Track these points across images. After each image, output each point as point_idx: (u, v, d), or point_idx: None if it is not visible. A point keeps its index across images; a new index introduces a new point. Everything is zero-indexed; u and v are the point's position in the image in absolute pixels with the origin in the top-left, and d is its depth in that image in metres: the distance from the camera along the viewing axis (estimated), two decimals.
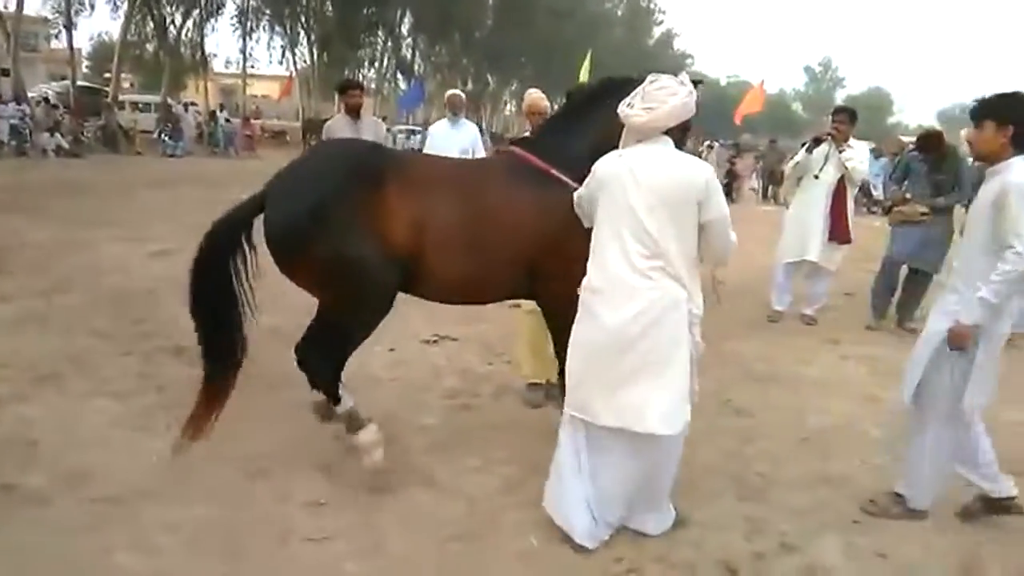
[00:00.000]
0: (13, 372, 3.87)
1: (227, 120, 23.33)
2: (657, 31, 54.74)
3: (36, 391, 3.67)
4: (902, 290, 6.39)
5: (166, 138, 20.87)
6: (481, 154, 6.40)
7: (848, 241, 6.02)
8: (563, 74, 27.85)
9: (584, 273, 2.53)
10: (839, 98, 73.72)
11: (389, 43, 32.78)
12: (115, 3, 23.85)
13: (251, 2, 28.34)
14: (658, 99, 2.41)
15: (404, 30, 34.00)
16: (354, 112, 5.54)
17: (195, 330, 2.78)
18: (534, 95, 5.12)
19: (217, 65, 33.57)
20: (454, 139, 6.02)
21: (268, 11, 28.59)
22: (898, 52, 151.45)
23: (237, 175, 13.95)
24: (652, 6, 51.67)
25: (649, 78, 2.51)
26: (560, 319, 2.84)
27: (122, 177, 14.31)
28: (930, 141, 6.05)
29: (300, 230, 2.61)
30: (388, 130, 6.39)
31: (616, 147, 2.61)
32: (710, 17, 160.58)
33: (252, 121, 25.80)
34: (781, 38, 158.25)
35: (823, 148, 5.89)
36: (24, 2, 21.49)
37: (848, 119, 5.94)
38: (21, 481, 2.78)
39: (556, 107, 4.25)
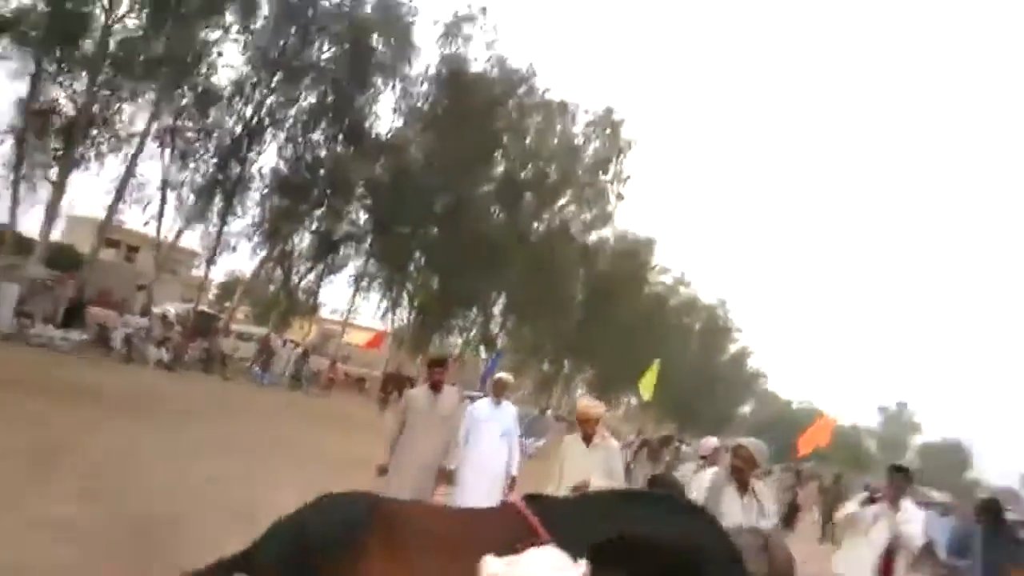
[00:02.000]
0: None
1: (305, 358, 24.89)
2: (732, 347, 56.56)
3: None
4: None
5: (257, 368, 22.42)
6: (516, 435, 6.51)
7: None
8: (634, 370, 28.77)
9: None
10: (915, 443, 71.29)
11: (480, 317, 35.30)
12: (255, 250, 27.31)
13: (369, 267, 31.78)
14: None
15: (497, 309, 36.76)
16: (437, 387, 5.97)
17: None
18: (584, 402, 5.37)
19: (324, 311, 36.93)
20: (495, 419, 6.28)
21: (381, 276, 31.88)
22: (978, 403, 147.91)
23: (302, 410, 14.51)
24: (729, 324, 54.07)
25: None
26: None
27: (189, 394, 15.28)
28: (987, 509, 5.87)
29: None
30: (465, 396, 6.77)
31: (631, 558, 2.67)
32: (786, 340, 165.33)
33: (337, 365, 27.48)
34: (856, 373, 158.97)
35: (876, 507, 5.74)
36: (182, 235, 25.17)
37: (904, 480, 5.87)
38: None
39: (617, 406, 4.61)
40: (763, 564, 4.10)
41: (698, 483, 4.75)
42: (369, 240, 30.35)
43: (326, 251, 29.64)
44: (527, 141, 32.75)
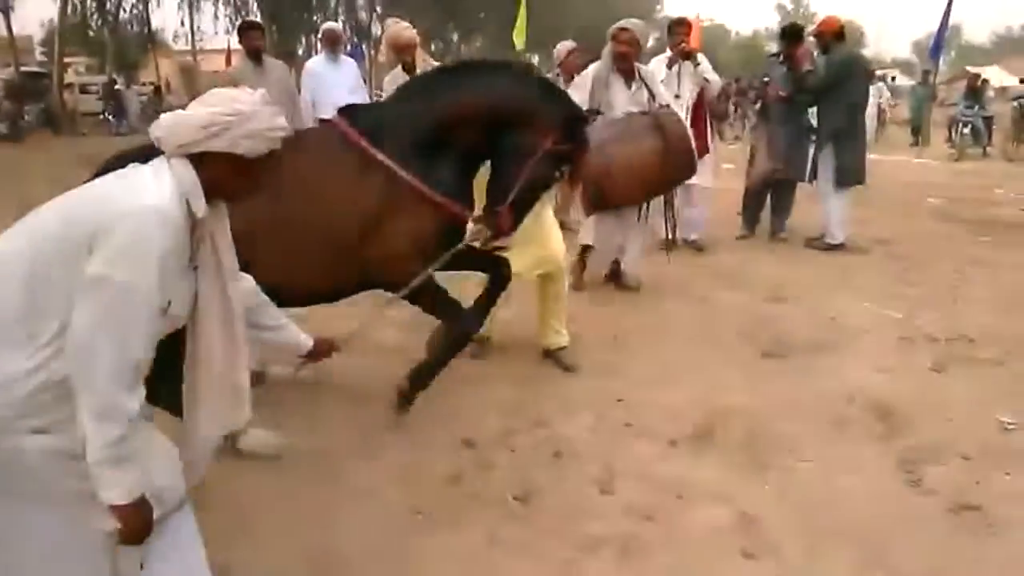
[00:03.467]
0: None
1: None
2: None
3: None
4: (771, 201, 6.43)
5: (111, 117, 20.59)
6: (363, 93, 6.16)
7: (706, 151, 5.91)
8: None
9: (413, 249, 2.60)
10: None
11: (342, 6, 32.02)
12: None
13: None
14: None
15: None
16: (256, 56, 5.30)
17: None
18: (395, 27, 4.71)
19: (177, 43, 32.90)
20: (336, 79, 5.70)
21: None
22: None
23: None
24: None
25: None
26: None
27: (55, 156, 14.13)
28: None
29: None
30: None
31: (452, 136, 2.68)
32: None
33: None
34: None
35: (675, 67, 5.68)
36: None
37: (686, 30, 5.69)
38: None
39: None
40: (657, 140, 4.06)
41: (581, 81, 4.43)
42: None
43: None
44: None
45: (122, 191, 1.46)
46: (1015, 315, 4.46)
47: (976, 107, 13.88)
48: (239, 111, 1.50)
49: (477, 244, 2.83)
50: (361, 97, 5.89)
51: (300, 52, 30.89)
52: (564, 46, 6.06)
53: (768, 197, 6.35)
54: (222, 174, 1.53)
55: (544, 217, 3.50)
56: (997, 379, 3.56)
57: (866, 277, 5.33)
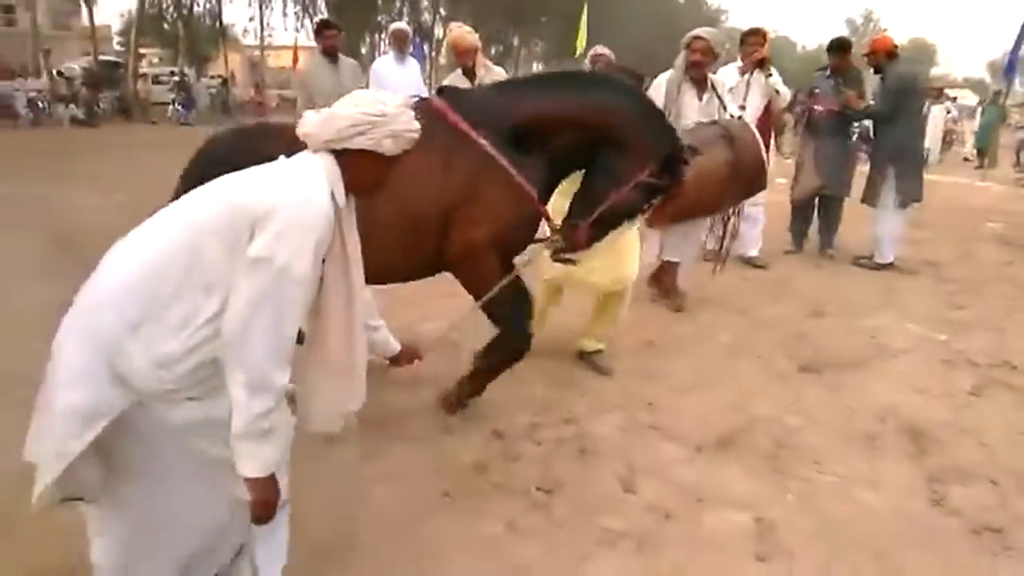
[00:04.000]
0: None
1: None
2: None
3: None
4: (818, 217, 6.39)
5: (180, 107, 21.41)
6: (426, 94, 6.20)
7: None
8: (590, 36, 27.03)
9: (493, 238, 2.63)
10: None
11: (406, 6, 32.55)
12: None
13: None
14: None
15: None
16: (331, 54, 5.43)
17: None
18: (457, 31, 4.71)
19: (248, 40, 33.90)
20: (402, 78, 5.73)
21: None
22: (940, 2, 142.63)
23: None
24: None
25: None
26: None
27: (127, 141, 14.82)
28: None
29: None
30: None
31: (550, 138, 2.69)
32: None
33: (265, 90, 26.09)
34: None
35: (746, 76, 5.52)
36: None
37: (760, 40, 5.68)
38: None
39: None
40: (726, 151, 3.93)
41: (655, 88, 4.39)
42: None
43: None
44: None
45: (281, 181, 1.56)
46: None
47: None
48: (384, 112, 1.60)
49: (548, 252, 2.85)
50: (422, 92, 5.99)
51: (363, 51, 31.56)
52: (595, 50, 5.84)
53: (815, 212, 6.29)
54: (362, 169, 1.64)
55: (628, 235, 3.48)
56: None
57: (912, 298, 5.25)
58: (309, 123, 1.62)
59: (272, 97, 27.80)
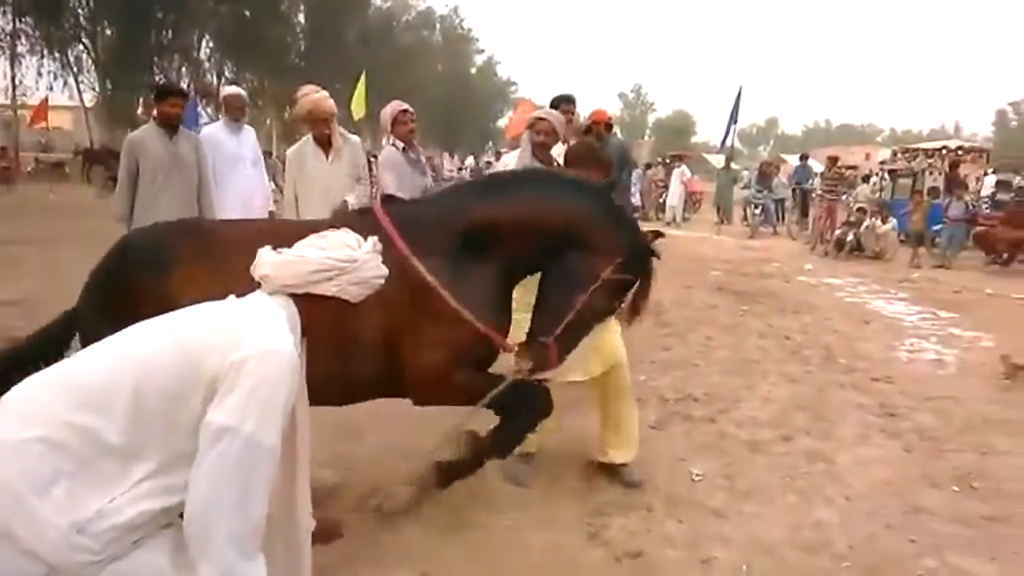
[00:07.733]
0: None
1: None
2: (479, 59, 56.12)
3: None
4: None
5: None
6: (262, 165, 5.55)
7: None
8: (377, 103, 27.28)
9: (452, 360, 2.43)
10: (650, 122, 79.85)
11: (185, 68, 31.07)
12: None
13: (18, 24, 25.83)
14: None
15: (203, 54, 32.49)
16: (171, 125, 4.55)
17: None
18: (315, 95, 4.26)
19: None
20: (239, 146, 5.20)
21: (37, 33, 26.23)
22: (700, 76, 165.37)
23: None
24: (469, 35, 52.89)
25: None
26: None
27: None
28: None
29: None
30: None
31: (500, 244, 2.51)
32: (528, 45, 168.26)
33: (12, 154, 23.18)
34: (598, 64, 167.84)
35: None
36: None
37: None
38: None
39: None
40: None
41: (501, 167, 4.23)
42: None
43: None
44: None
45: (244, 329, 1.36)
46: (735, 377, 5.01)
47: (765, 191, 15.67)
48: (353, 257, 1.48)
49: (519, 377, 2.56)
50: (261, 170, 5.48)
51: (139, 111, 29.43)
52: (394, 106, 4.63)
53: None
54: (321, 315, 1.49)
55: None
56: (705, 434, 3.97)
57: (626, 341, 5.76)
58: (265, 263, 1.48)
59: (28, 161, 25.02)
